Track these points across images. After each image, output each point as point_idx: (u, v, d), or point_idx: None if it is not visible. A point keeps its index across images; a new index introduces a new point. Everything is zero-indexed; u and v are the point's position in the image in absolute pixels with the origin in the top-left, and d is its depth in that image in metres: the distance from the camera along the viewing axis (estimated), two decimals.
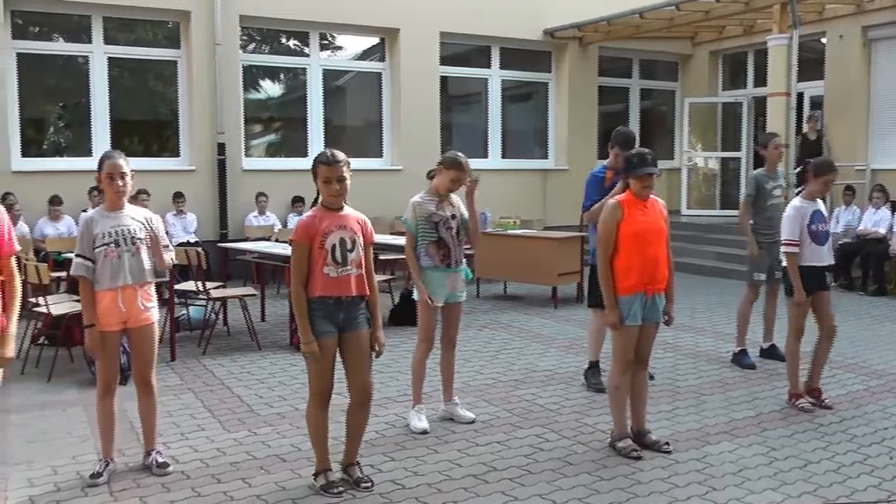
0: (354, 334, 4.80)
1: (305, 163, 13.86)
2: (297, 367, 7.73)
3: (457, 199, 6.06)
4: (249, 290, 9.78)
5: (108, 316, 5.00)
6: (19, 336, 8.13)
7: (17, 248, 4.27)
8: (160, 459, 5.18)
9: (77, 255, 5.04)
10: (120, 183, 5.05)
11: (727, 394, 6.81)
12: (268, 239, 12.05)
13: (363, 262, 4.82)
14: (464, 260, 6.08)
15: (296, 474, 5.11)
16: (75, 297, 8.56)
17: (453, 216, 5.96)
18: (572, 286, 11.35)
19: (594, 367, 7.11)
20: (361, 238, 4.81)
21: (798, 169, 12.38)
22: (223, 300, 9.11)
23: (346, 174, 4.70)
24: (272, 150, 15.02)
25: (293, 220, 13.17)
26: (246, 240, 12.00)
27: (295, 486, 4.92)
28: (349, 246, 4.73)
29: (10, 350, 4.10)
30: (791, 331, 6.45)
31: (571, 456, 5.40)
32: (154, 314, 5.18)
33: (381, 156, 14.72)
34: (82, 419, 6.28)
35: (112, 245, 4.99)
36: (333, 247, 4.68)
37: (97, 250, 4.98)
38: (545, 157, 16.55)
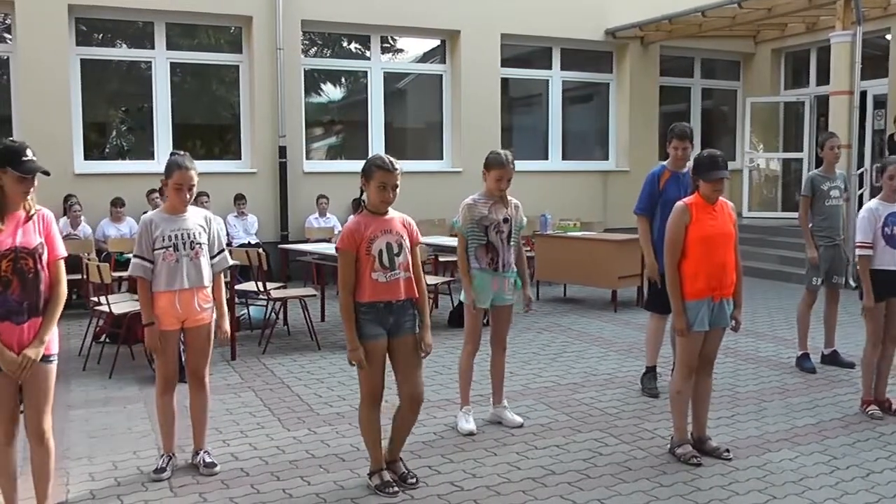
0: (403, 339, 4.79)
1: None
2: (356, 368, 7.76)
3: (514, 201, 5.97)
4: (309, 290, 9.87)
5: (165, 316, 5.04)
6: (80, 334, 8.37)
7: (64, 253, 4.26)
8: (208, 459, 5.21)
9: (135, 256, 5.09)
10: (188, 195, 5.09)
11: (787, 400, 6.69)
12: (328, 240, 12.12)
13: (411, 264, 4.80)
14: (513, 266, 5.97)
15: (354, 473, 5.13)
16: (136, 297, 8.73)
17: (506, 220, 5.87)
18: (632, 289, 11.25)
19: (651, 371, 7.03)
20: (408, 240, 4.80)
21: (860, 170, 12.13)
22: (283, 300, 9.20)
23: (399, 182, 4.72)
24: (333, 153, 15.14)
25: None
26: (306, 241, 12.11)
27: (354, 486, 4.94)
28: (396, 250, 4.72)
29: (36, 352, 4.05)
30: (867, 336, 6.29)
31: (630, 461, 5.35)
32: (211, 314, 5.20)
33: (441, 158, 14.74)
34: (143, 415, 6.39)
35: (171, 248, 5.01)
36: (380, 252, 4.67)
37: (156, 252, 5.01)
38: (606, 158, 16.43)
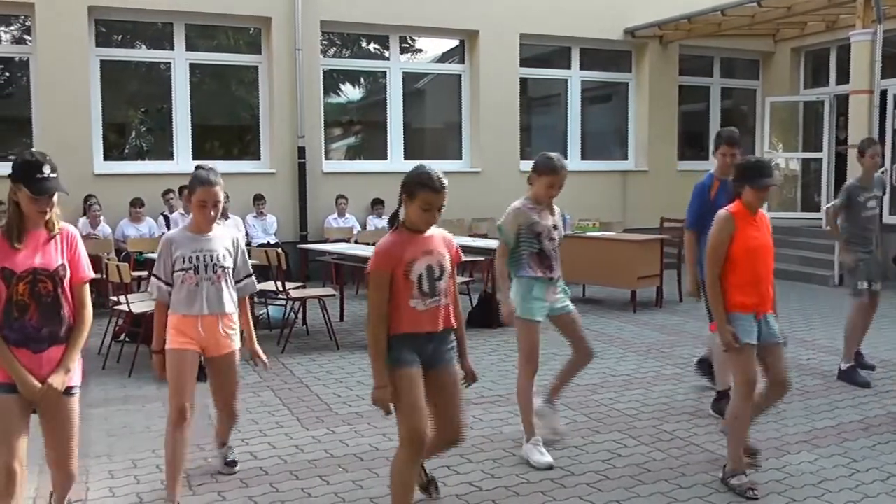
0: (443, 370, 4.19)
1: (385, 165, 14.18)
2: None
3: (558, 209, 5.59)
4: (329, 290, 9.89)
5: (184, 336, 4.64)
6: (99, 333, 8.42)
7: (90, 274, 3.94)
8: (230, 457, 5.19)
9: (154, 276, 4.72)
10: (212, 213, 4.65)
11: (807, 402, 6.64)
12: (347, 240, 12.17)
13: (450, 287, 4.20)
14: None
15: (373, 473, 5.14)
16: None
17: (555, 226, 5.46)
18: (651, 290, 11.21)
19: (723, 397, 6.12)
20: (449, 261, 4.19)
21: (881, 170, 12.01)
22: (302, 300, 9.23)
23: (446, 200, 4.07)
24: (352, 153, 15.17)
25: (372, 222, 13.30)
26: (325, 241, 12.13)
27: (372, 485, 4.95)
28: (437, 273, 4.09)
29: (61, 380, 3.76)
30: None
31: (650, 463, 5.33)
32: (236, 341, 4.81)
33: (460, 158, 14.74)
34: (161, 414, 6.40)
35: (191, 271, 4.62)
36: (420, 277, 4.03)
37: (176, 274, 4.63)
38: (625, 158, 16.38)
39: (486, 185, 13.67)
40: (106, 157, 12.54)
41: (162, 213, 12.10)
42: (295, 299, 9.01)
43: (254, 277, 4.95)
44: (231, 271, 4.76)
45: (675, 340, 8.99)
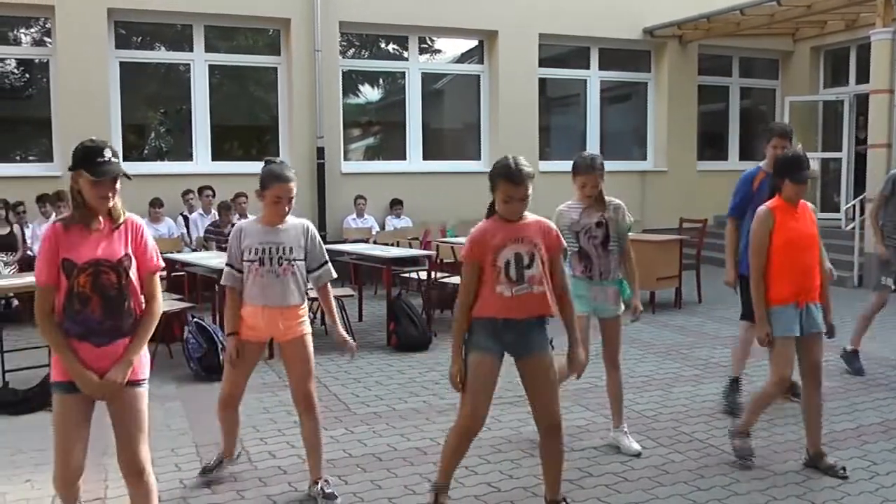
0: (534, 358, 4.22)
1: (404, 166, 14.20)
2: (393, 368, 7.82)
3: (615, 202, 5.55)
4: (347, 290, 9.91)
5: (250, 326, 4.75)
6: None
7: (160, 264, 3.85)
8: (328, 490, 4.76)
9: (226, 264, 4.80)
10: (287, 208, 4.72)
11: (826, 404, 6.51)
12: (366, 241, 12.19)
13: (548, 276, 4.20)
14: (614, 272, 5.49)
15: (392, 473, 5.15)
16: (175, 296, 8.85)
17: (599, 224, 5.42)
18: (670, 291, 11.17)
19: (734, 384, 6.52)
20: (543, 249, 4.18)
21: None
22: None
23: (531, 189, 4.14)
24: (370, 154, 15.19)
25: (391, 223, 13.31)
26: (344, 241, 12.16)
27: (391, 486, 4.96)
28: (526, 262, 4.12)
29: (122, 374, 3.62)
30: None
31: (668, 465, 5.31)
32: (304, 327, 4.82)
33: (479, 158, 14.74)
34: (180, 413, 6.45)
35: (256, 263, 4.67)
36: (507, 263, 4.11)
37: (245, 264, 4.71)
38: (644, 158, 16.34)
39: None
40: (125, 158, 12.56)
41: (181, 214, 12.17)
42: (313, 299, 9.01)
43: (330, 265, 4.96)
44: (300, 264, 4.77)
45: (695, 342, 8.95)
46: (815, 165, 16.43)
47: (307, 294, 4.90)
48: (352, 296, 9.72)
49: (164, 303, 8.10)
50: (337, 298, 9.08)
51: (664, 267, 10.81)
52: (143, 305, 3.76)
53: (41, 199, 10.92)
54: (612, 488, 4.93)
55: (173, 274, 9.99)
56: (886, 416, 6.29)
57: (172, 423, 6.21)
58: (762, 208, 5.12)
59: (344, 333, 5.00)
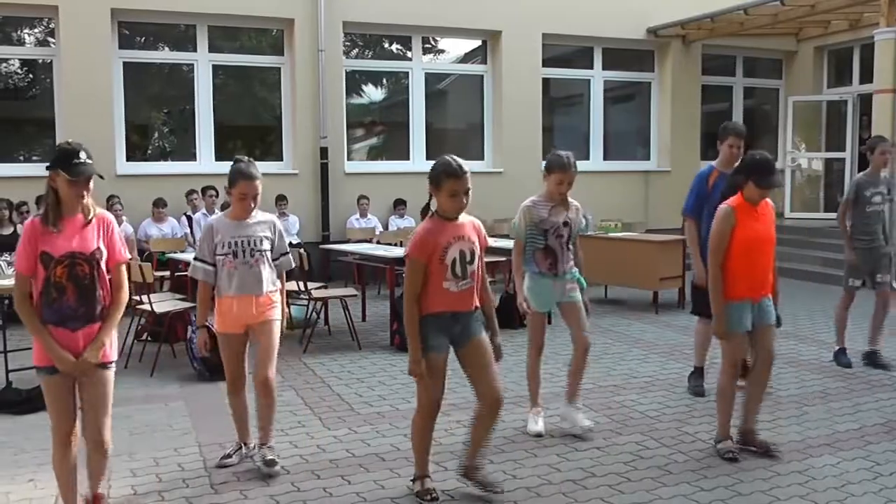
0: (474, 341, 4.61)
1: (407, 166, 14.20)
2: (396, 368, 7.81)
3: (576, 203, 5.85)
4: (350, 290, 9.92)
5: (227, 319, 5.12)
6: (122, 333, 8.46)
7: (128, 256, 4.25)
8: (269, 456, 5.13)
9: (196, 259, 5.15)
10: (252, 204, 5.08)
11: (829, 405, 6.59)
12: (369, 241, 12.20)
13: (477, 271, 4.61)
14: (574, 268, 5.84)
15: (395, 473, 5.15)
16: (178, 296, 8.87)
17: (566, 223, 5.73)
18: (674, 291, 11.16)
19: (697, 370, 7.01)
20: (478, 246, 4.59)
21: None
22: (324, 300, 9.26)
23: (470, 184, 4.46)
24: (374, 154, 15.19)
25: (394, 223, 13.31)
26: (347, 241, 12.17)
27: (393, 486, 4.96)
28: (468, 258, 4.51)
29: (94, 354, 4.04)
30: None
31: (671, 465, 5.31)
32: (275, 314, 5.19)
33: (482, 158, 14.74)
34: (183, 413, 6.46)
35: (230, 256, 5.05)
36: (454, 261, 4.46)
37: (217, 258, 5.07)
38: (647, 158, 16.33)
39: (509, 185, 13.61)
40: (129, 158, 12.63)
41: (185, 213, 12.18)
42: (317, 299, 9.04)
43: (290, 255, 5.36)
44: (269, 254, 5.15)
45: None
46: (818, 165, 16.46)
47: (278, 283, 5.27)
48: (355, 296, 9.72)
49: (167, 303, 8.19)
50: (341, 298, 9.16)
51: (667, 267, 10.80)
52: (112, 293, 4.14)
53: (39, 201, 10.92)
54: (615, 488, 4.92)
55: (177, 274, 10.01)
56: (890, 416, 6.27)
57: (175, 422, 6.21)
58: (724, 206, 5.23)
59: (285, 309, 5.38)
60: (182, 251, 10.71)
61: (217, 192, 11.99)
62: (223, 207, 11.42)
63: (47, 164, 3.99)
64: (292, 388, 7.15)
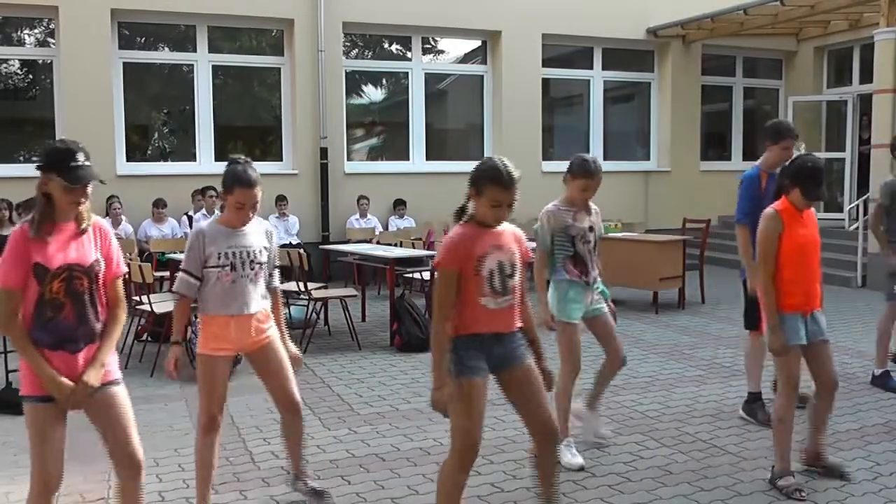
0: (521, 369, 3.92)
1: (407, 166, 14.20)
2: (396, 368, 7.82)
3: (595, 208, 5.48)
4: (350, 290, 9.92)
5: (217, 340, 4.39)
6: (122, 333, 8.47)
7: (124, 269, 3.75)
8: (318, 487, 4.75)
9: (182, 270, 4.43)
10: (250, 214, 4.39)
11: None
12: (369, 241, 12.21)
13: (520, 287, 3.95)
14: (599, 279, 5.51)
15: (395, 474, 5.15)
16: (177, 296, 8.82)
17: (591, 228, 5.38)
18: (674, 291, 11.17)
19: (756, 399, 6.20)
20: (519, 258, 3.93)
21: None
22: (324, 300, 9.26)
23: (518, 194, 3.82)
24: (374, 154, 15.20)
25: (394, 223, 13.31)
26: (347, 242, 12.17)
27: (394, 486, 4.96)
28: (509, 270, 3.84)
29: (94, 378, 3.53)
30: None
31: (671, 465, 5.31)
32: (272, 331, 4.54)
33: (482, 158, 14.67)
34: (183, 413, 6.46)
35: (227, 268, 4.34)
36: (491, 273, 3.79)
37: (209, 270, 4.35)
38: (647, 158, 16.34)
39: None
40: (129, 159, 12.63)
41: (186, 213, 12.18)
42: (317, 300, 9.04)
43: (277, 272, 4.72)
44: (266, 266, 4.52)
45: (698, 342, 8.95)
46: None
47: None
48: (355, 296, 9.72)
49: (168, 303, 8.19)
50: (340, 298, 9.16)
51: (667, 267, 10.80)
52: (110, 309, 3.66)
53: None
54: (615, 489, 4.92)
55: (176, 274, 10.00)
56: (890, 416, 6.27)
57: (175, 423, 6.22)
58: (769, 210, 4.90)
59: (290, 345, 4.69)
60: (182, 251, 10.69)
61: (217, 192, 11.98)
62: (223, 208, 11.43)
63: (38, 164, 3.45)
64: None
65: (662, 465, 5.29)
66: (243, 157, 4.46)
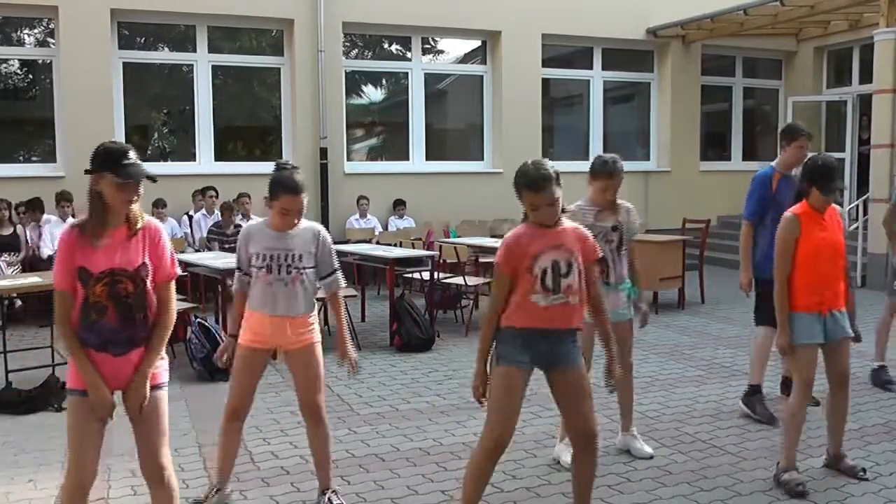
0: (568, 371, 4.00)
1: (407, 166, 14.20)
2: (396, 368, 7.82)
3: (626, 205, 5.47)
4: (350, 291, 9.89)
5: (256, 333, 4.54)
6: None
7: (176, 272, 3.72)
8: (336, 501, 4.65)
9: (236, 268, 4.61)
10: (296, 220, 4.44)
11: None
12: (369, 241, 12.20)
13: (582, 286, 3.99)
14: (626, 276, 5.44)
15: (394, 474, 5.15)
16: (178, 297, 8.83)
17: (615, 227, 5.35)
18: (673, 291, 11.16)
19: (756, 391, 6.29)
20: (580, 257, 3.98)
21: None
22: (323, 301, 9.22)
23: (559, 193, 3.90)
24: (374, 154, 15.19)
25: (394, 223, 13.31)
26: (347, 242, 12.16)
27: (393, 486, 4.96)
28: (563, 270, 3.91)
29: (141, 391, 3.59)
30: None
31: (671, 465, 5.31)
32: (313, 336, 4.61)
33: (481, 159, 14.74)
34: (183, 413, 6.45)
35: (264, 270, 4.44)
36: (544, 271, 3.88)
37: (252, 269, 4.50)
38: (647, 158, 16.32)
39: (508, 185, 13.32)
40: None
41: (186, 213, 12.18)
42: (316, 300, 9.01)
43: (340, 273, 4.71)
44: (310, 272, 4.54)
45: (697, 342, 8.95)
46: None
47: (315, 301, 4.74)
48: (355, 296, 9.72)
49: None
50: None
51: (667, 267, 10.80)
52: (158, 314, 3.65)
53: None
54: (615, 489, 4.92)
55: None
56: (889, 416, 6.28)
57: (175, 423, 6.17)
58: (788, 214, 4.95)
59: (347, 348, 4.76)
60: (181, 251, 10.71)
61: (217, 192, 11.99)
62: (222, 209, 11.44)
63: (88, 167, 3.53)
64: (291, 388, 7.07)
65: (662, 466, 5.29)
66: (290, 162, 4.55)
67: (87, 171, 3.53)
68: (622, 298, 5.39)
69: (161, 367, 3.72)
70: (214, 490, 4.68)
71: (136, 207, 3.59)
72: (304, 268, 4.49)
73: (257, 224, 4.65)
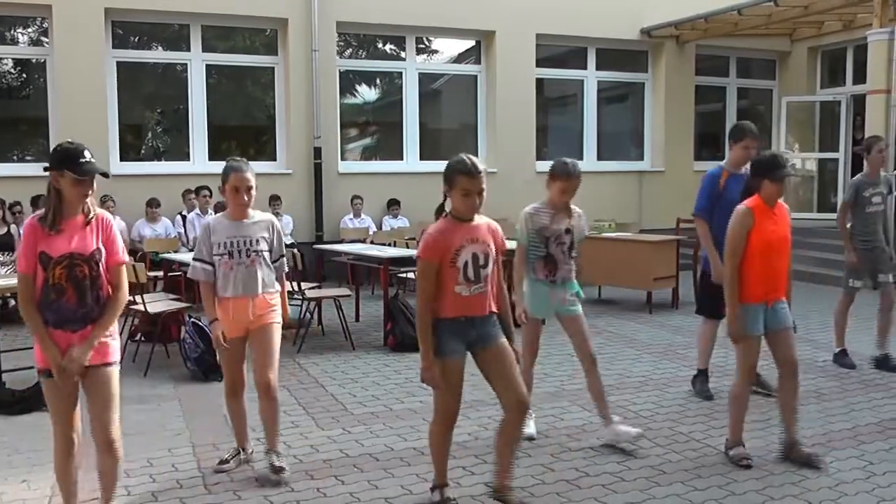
0: (493, 348, 4.39)
1: (401, 166, 14.22)
2: (390, 368, 7.81)
3: (578, 210, 5.66)
4: (344, 290, 9.91)
5: (225, 322, 5.02)
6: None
7: (125, 258, 4.17)
8: (277, 462, 5.05)
9: (195, 259, 5.07)
10: (245, 197, 5.00)
11: (823, 405, 6.60)
12: (363, 241, 12.20)
13: (495, 274, 4.42)
14: (572, 278, 5.65)
15: (388, 473, 5.15)
16: (171, 296, 8.86)
17: (567, 230, 5.56)
18: (667, 291, 11.18)
19: (702, 374, 6.91)
20: (494, 249, 4.40)
21: None
22: (318, 300, 9.25)
23: (485, 184, 4.29)
24: (368, 154, 15.19)
25: (388, 223, 13.31)
26: (341, 242, 12.16)
27: (388, 486, 4.96)
28: (482, 261, 4.30)
29: (80, 352, 3.96)
30: None
31: (665, 464, 5.32)
32: (274, 317, 5.11)
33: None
34: (177, 413, 6.45)
35: (226, 256, 4.99)
36: (466, 264, 4.26)
37: (215, 258, 5.01)
38: (641, 158, 16.36)
39: (502, 185, 13.61)
40: (122, 158, 12.61)
41: (179, 213, 12.17)
42: (310, 299, 9.03)
43: (285, 259, 5.30)
44: (267, 255, 5.09)
45: (691, 342, 8.91)
46: (811, 165, 16.47)
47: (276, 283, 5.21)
48: (349, 296, 9.72)
49: (161, 303, 8.18)
50: (334, 298, 9.15)
51: (661, 267, 10.82)
52: (110, 293, 4.08)
53: (36, 201, 10.89)
54: (608, 488, 4.93)
55: (170, 274, 10.00)
56: (882, 416, 6.29)
57: (169, 423, 6.20)
58: (741, 207, 5.18)
59: (287, 313, 5.34)
60: (175, 251, 10.70)
61: (211, 192, 11.97)
62: (216, 207, 11.43)
63: (47, 164, 3.93)
64: (286, 388, 7.13)
65: (656, 465, 5.30)
66: (238, 157, 5.23)
67: (46, 169, 3.95)
68: (567, 296, 5.64)
69: (113, 346, 4.13)
70: (236, 451, 5.25)
71: (89, 200, 4.01)
72: (261, 251, 5.06)
73: (216, 218, 5.20)
